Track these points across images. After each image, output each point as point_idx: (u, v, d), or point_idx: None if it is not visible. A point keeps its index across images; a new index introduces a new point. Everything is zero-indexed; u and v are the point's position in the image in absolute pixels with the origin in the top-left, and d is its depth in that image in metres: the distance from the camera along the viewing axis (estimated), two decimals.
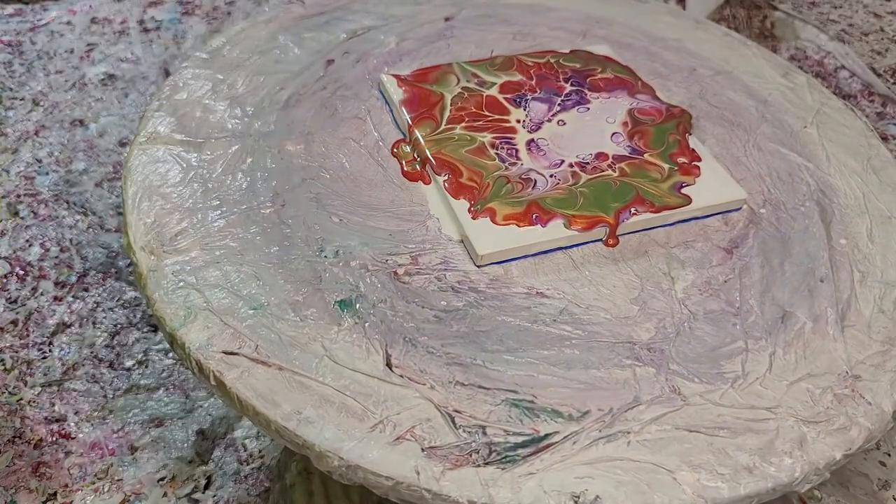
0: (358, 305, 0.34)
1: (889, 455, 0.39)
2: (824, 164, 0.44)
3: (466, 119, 0.42)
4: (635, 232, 0.39)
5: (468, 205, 0.38)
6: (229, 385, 0.30)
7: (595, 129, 0.43)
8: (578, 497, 0.28)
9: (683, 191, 0.40)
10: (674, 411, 0.31)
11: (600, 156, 0.41)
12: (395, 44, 0.49)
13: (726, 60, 0.51)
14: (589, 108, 0.44)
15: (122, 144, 0.53)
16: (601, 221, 0.37)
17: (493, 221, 0.37)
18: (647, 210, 0.38)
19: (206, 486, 0.38)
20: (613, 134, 0.43)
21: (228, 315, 0.33)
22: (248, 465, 0.38)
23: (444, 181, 0.39)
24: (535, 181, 0.39)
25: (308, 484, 0.37)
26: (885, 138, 0.56)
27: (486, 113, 0.43)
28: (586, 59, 0.48)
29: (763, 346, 0.34)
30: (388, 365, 0.32)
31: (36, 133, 0.54)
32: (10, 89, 0.58)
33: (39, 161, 0.52)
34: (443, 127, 0.42)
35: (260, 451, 0.39)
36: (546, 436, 0.30)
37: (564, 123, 0.43)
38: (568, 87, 0.45)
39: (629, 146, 0.42)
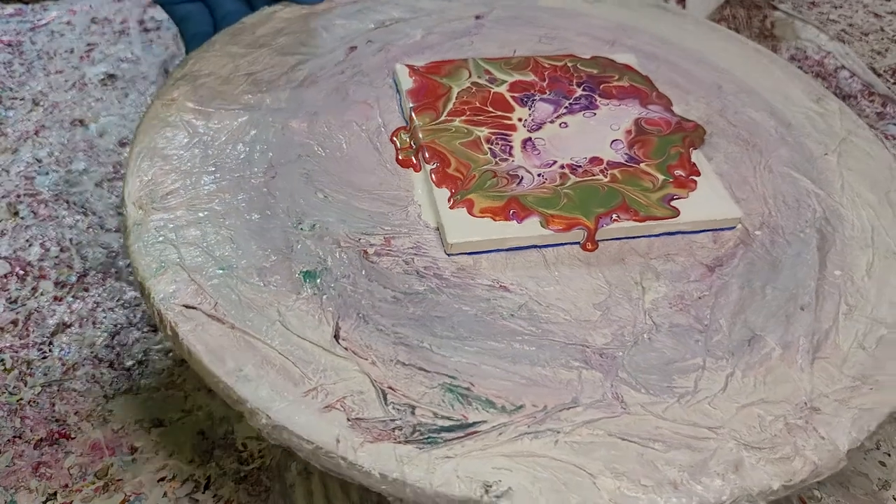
0: (320, 279, 0.35)
1: (889, 455, 0.39)
2: (837, 193, 0.42)
3: (468, 112, 0.43)
4: (617, 239, 0.38)
5: (449, 194, 0.38)
6: (182, 336, 0.32)
7: (597, 134, 0.42)
8: (490, 486, 0.28)
9: (673, 203, 0.39)
10: (610, 418, 0.31)
11: (594, 160, 0.41)
12: (420, 37, 0.50)
13: (756, 80, 0.49)
14: (596, 114, 0.44)
15: (122, 144, 0.54)
16: (579, 224, 0.37)
17: (470, 213, 0.37)
18: (630, 218, 0.38)
19: (206, 486, 0.38)
20: (614, 141, 0.42)
21: (197, 272, 0.34)
22: (248, 465, 0.38)
23: (432, 170, 0.39)
24: (522, 178, 0.39)
25: (308, 484, 0.38)
26: (884, 138, 0.54)
27: (490, 109, 0.43)
28: (605, 65, 0.47)
29: (722, 366, 0.33)
30: (336, 337, 0.32)
31: (36, 133, 0.54)
32: (11, 89, 0.58)
33: (39, 161, 0.53)
34: (442, 118, 0.42)
35: (260, 451, 0.39)
36: (473, 423, 0.30)
37: (567, 126, 0.43)
38: (579, 91, 0.45)
39: (627, 154, 0.41)
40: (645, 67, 0.48)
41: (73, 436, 0.39)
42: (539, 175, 0.39)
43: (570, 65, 0.47)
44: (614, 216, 0.38)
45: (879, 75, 0.57)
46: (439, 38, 0.50)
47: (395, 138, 0.42)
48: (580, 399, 0.31)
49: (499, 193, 0.38)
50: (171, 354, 0.43)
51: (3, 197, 0.51)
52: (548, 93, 0.45)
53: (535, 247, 0.37)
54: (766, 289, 0.36)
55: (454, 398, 0.31)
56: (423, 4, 0.53)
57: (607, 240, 0.38)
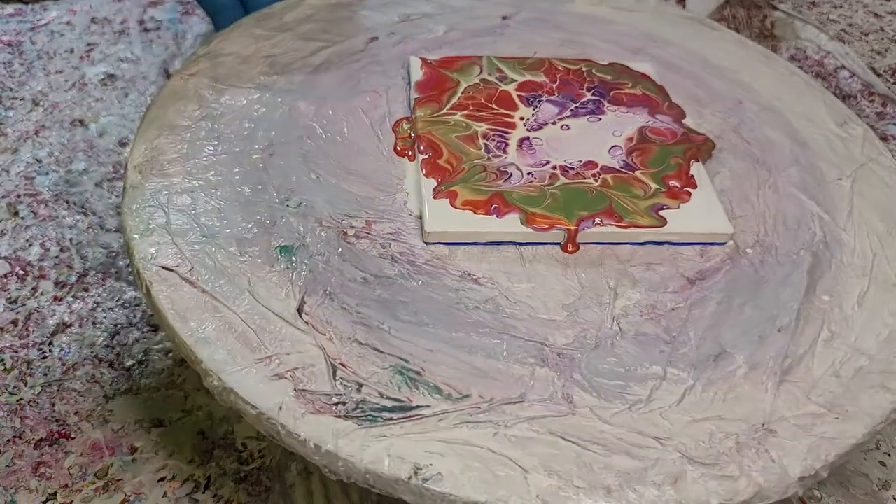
0: (295, 256, 0.36)
1: (889, 455, 0.38)
2: (843, 219, 0.40)
3: (471, 108, 0.43)
4: (599, 243, 0.38)
5: (435, 184, 0.39)
6: (154, 295, 0.33)
7: (597, 139, 0.42)
8: (420, 469, 0.28)
9: (661, 213, 0.38)
10: (555, 416, 0.30)
11: (589, 164, 0.40)
12: (442, 32, 0.51)
13: (782, 99, 0.48)
14: (601, 119, 0.43)
15: (122, 144, 0.55)
16: (560, 224, 0.37)
17: (452, 204, 0.38)
18: (614, 223, 0.37)
19: (206, 486, 0.38)
20: (613, 147, 0.42)
21: (180, 237, 0.36)
22: (248, 465, 0.39)
23: (423, 160, 0.40)
24: (511, 175, 0.39)
25: (308, 484, 0.38)
26: (884, 138, 0.53)
27: (493, 106, 0.43)
28: (621, 72, 0.47)
29: (683, 378, 0.32)
30: (299, 310, 0.33)
31: (36, 133, 0.55)
32: (11, 89, 0.59)
33: (39, 161, 0.53)
34: (444, 111, 0.43)
35: (260, 451, 0.39)
36: (416, 407, 0.30)
37: (568, 129, 0.43)
38: (588, 96, 0.45)
39: (624, 160, 0.41)
40: (664, 78, 0.47)
41: (73, 436, 0.39)
42: (529, 173, 0.39)
43: (584, 69, 0.47)
44: (597, 220, 0.37)
45: (879, 75, 0.56)
46: (461, 34, 0.51)
47: (396, 128, 0.43)
48: (528, 395, 0.31)
49: (484, 188, 0.38)
50: (170, 354, 0.44)
51: (3, 197, 0.51)
52: (556, 95, 0.45)
53: (513, 243, 0.37)
54: (745, 307, 0.35)
55: (402, 381, 0.31)
56: (453, 2, 0.53)
57: (589, 243, 0.38)
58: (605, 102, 0.44)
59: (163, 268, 0.34)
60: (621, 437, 0.30)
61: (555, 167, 0.40)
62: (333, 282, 0.35)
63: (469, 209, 0.37)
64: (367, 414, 0.30)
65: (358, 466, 0.28)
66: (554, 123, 0.43)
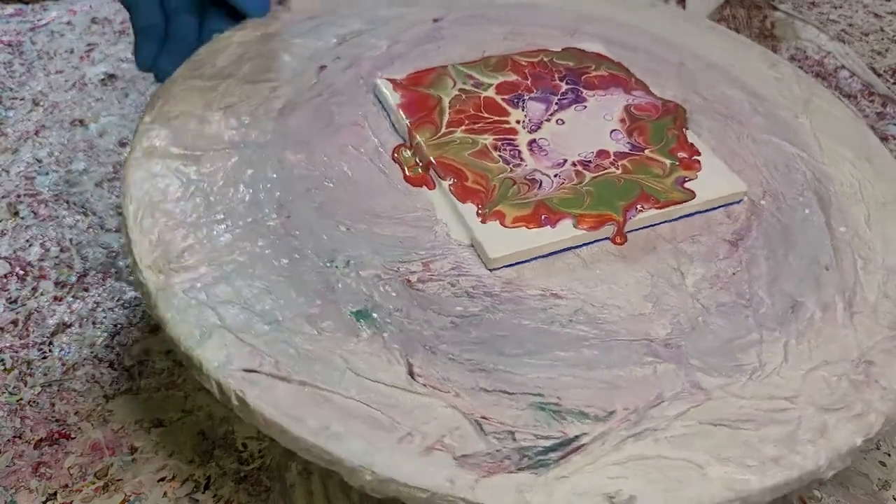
0: (374, 315, 0.33)
1: (889, 455, 0.39)
2: (818, 154, 0.44)
3: (466, 122, 0.42)
4: (641, 228, 0.39)
5: (476, 208, 0.38)
6: (252, 404, 0.30)
7: (594, 126, 0.43)
8: (613, 497, 0.28)
9: (686, 185, 0.40)
10: (697, 406, 0.31)
11: (602, 153, 0.41)
12: (385, 47, 0.49)
13: (714, 53, 0.51)
14: (586, 107, 0.44)
15: (122, 144, 0.54)
16: (609, 220, 0.38)
17: (503, 224, 0.37)
18: (653, 206, 0.39)
19: (206, 486, 0.37)
20: (612, 131, 0.43)
21: (244, 332, 0.32)
22: (248, 465, 0.38)
23: (450, 185, 0.39)
24: (541, 182, 0.39)
25: (308, 484, 0.37)
26: (884, 138, 0.56)
27: (486, 115, 0.43)
28: (579, 57, 0.48)
29: (777, 336, 0.35)
30: (411, 374, 0.31)
31: (36, 133, 0.54)
32: (11, 89, 0.59)
33: (39, 161, 0.52)
34: (443, 130, 0.42)
35: (260, 451, 0.38)
36: (575, 437, 0.30)
37: (563, 122, 0.43)
38: (564, 86, 0.45)
39: (629, 143, 0.42)
40: (614, 53, 0.49)
41: (73, 436, 0.39)
42: (555, 176, 0.40)
43: (545, 59, 0.47)
44: (638, 206, 0.38)
45: (879, 75, 0.59)
46: (405, 46, 0.49)
47: (397, 156, 0.41)
48: (663, 393, 0.32)
49: (524, 201, 0.38)
50: (170, 354, 0.43)
51: (3, 197, 0.51)
52: (535, 91, 0.45)
53: (570, 248, 0.37)
54: (789, 256, 0.38)
55: (548, 416, 0.31)
56: (382, 13, 0.51)
57: (632, 231, 0.38)
58: (582, 89, 0.45)
59: (245, 370, 0.31)
60: (759, 407, 0.32)
61: (574, 164, 0.40)
62: (426, 334, 0.33)
63: (521, 225, 0.37)
64: (535, 460, 0.29)
65: None
66: (548, 121, 0.43)
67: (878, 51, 0.62)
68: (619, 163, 0.41)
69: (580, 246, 0.38)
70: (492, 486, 0.28)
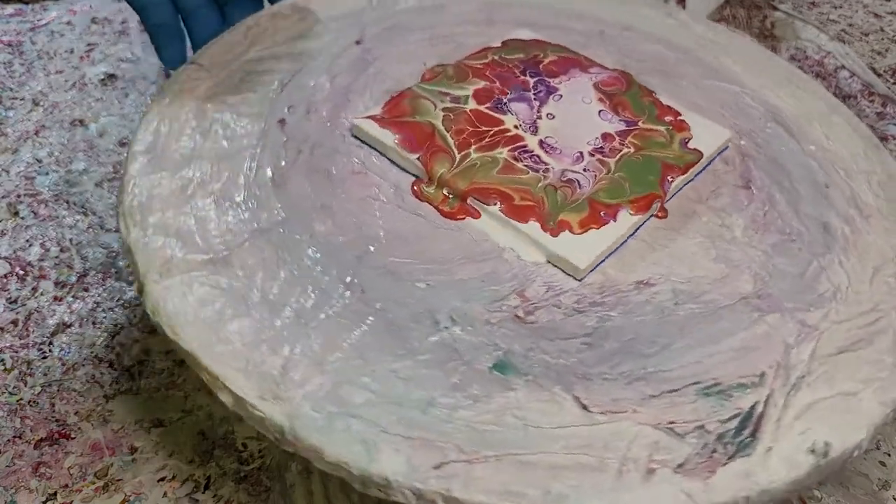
0: (514, 363, 0.32)
1: (889, 455, 0.41)
2: (748, 84, 0.49)
3: (472, 140, 0.41)
4: (670, 198, 0.41)
5: (539, 225, 0.37)
6: (461, 497, 0.28)
7: (581, 112, 0.44)
8: (813, 450, 0.30)
9: (689, 146, 0.42)
10: (817, 342, 0.34)
11: (606, 137, 0.42)
12: (328, 83, 0.45)
13: (623, 16, 0.54)
14: (561, 95, 0.45)
15: (122, 144, 0.53)
16: (654, 198, 0.39)
17: (573, 232, 0.37)
18: (678, 174, 0.41)
19: (206, 486, 0.37)
20: (600, 111, 0.44)
21: (404, 427, 0.30)
22: (248, 465, 0.38)
23: (500, 209, 0.38)
24: (577, 180, 0.40)
25: (308, 484, 0.37)
26: (884, 138, 0.58)
27: (483, 127, 0.42)
28: (522, 47, 0.48)
29: (830, 259, 0.38)
30: (585, 408, 0.31)
31: (36, 133, 0.55)
32: (11, 89, 0.59)
33: (39, 161, 0.53)
34: (458, 156, 0.40)
35: (260, 451, 0.38)
36: (750, 410, 0.32)
37: (554, 116, 0.43)
38: (530, 80, 0.46)
39: (621, 120, 0.44)
40: (543, 35, 0.50)
41: (73, 436, 0.39)
42: (585, 170, 0.40)
43: (495, 58, 0.47)
44: (668, 178, 0.40)
45: (879, 75, 0.60)
46: (347, 76, 0.46)
47: (420, 195, 0.39)
48: (788, 342, 0.34)
49: (575, 203, 0.38)
50: (170, 354, 0.43)
51: (3, 197, 0.51)
52: (509, 92, 0.45)
53: (631, 236, 0.38)
54: (798, 186, 0.42)
55: (717, 399, 0.32)
56: (299, 47, 0.48)
57: (665, 203, 0.40)
58: (547, 79, 0.46)
59: (435, 467, 0.29)
60: (857, 325, 0.35)
61: (591, 153, 0.41)
62: (572, 363, 0.33)
63: (589, 228, 0.37)
64: (737, 444, 0.30)
65: (792, 476, 0.29)
66: (539, 118, 0.43)
67: (878, 51, 0.63)
68: (626, 141, 0.42)
69: (637, 231, 0.39)
70: (721, 484, 0.29)
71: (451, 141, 0.41)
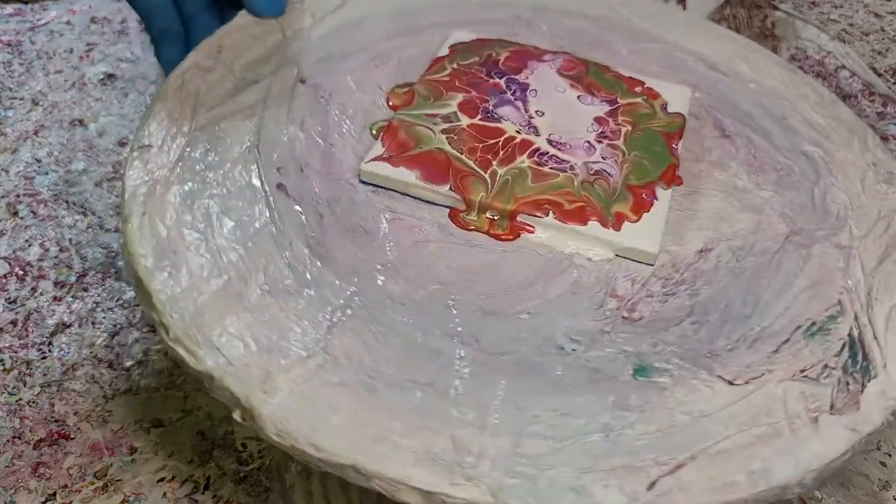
0: (651, 362, 0.33)
1: (889, 455, 0.41)
2: (675, 39, 0.52)
3: (490, 156, 0.40)
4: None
5: (598, 223, 0.37)
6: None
7: (563, 102, 0.44)
8: None
9: (669, 111, 0.45)
10: (862, 258, 0.38)
11: (599, 121, 0.43)
12: (303, 137, 0.42)
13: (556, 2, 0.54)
14: (535, 90, 0.45)
15: (122, 144, 0.55)
16: (674, 167, 0.41)
17: (632, 222, 0.38)
18: (676, 139, 0.43)
19: (206, 487, 0.37)
20: (578, 97, 0.45)
21: (601, 459, 0.29)
22: (247, 465, 0.38)
23: (556, 218, 0.38)
24: (604, 170, 0.40)
25: (308, 484, 0.37)
26: (885, 138, 0.59)
27: (490, 140, 0.41)
28: (473, 49, 0.47)
29: (824, 183, 0.43)
30: (730, 383, 0.32)
31: (35, 133, 0.55)
32: (10, 89, 0.58)
33: (39, 161, 0.53)
34: (487, 174, 0.39)
35: (260, 452, 0.38)
36: (851, 338, 0.35)
37: (543, 113, 0.43)
38: (501, 82, 0.45)
39: (602, 101, 0.45)
40: (478, 32, 0.49)
41: (72, 436, 0.39)
42: (605, 159, 0.41)
43: (452, 67, 0.46)
44: (673, 145, 0.42)
45: (880, 75, 0.60)
46: (315, 121, 0.43)
47: (464, 224, 0.38)
48: (853, 274, 0.37)
49: (616, 192, 0.39)
50: (170, 355, 0.40)
51: (2, 197, 0.51)
52: (490, 99, 0.44)
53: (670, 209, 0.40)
54: (759, 123, 0.46)
55: (821, 338, 0.35)
56: (246, 99, 0.43)
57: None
58: (514, 76, 0.46)
59: (649, 489, 0.29)
60: None
61: (598, 141, 0.42)
62: (697, 346, 0.34)
63: (641, 213, 0.38)
64: (863, 373, 0.33)
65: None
66: (532, 117, 0.43)
67: (878, 50, 0.63)
68: (620, 120, 0.43)
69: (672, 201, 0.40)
70: (869, 410, 0.32)
71: (470, 163, 0.40)
